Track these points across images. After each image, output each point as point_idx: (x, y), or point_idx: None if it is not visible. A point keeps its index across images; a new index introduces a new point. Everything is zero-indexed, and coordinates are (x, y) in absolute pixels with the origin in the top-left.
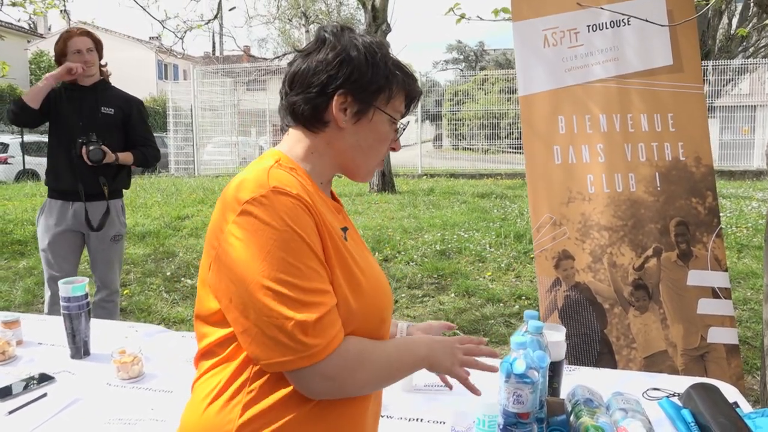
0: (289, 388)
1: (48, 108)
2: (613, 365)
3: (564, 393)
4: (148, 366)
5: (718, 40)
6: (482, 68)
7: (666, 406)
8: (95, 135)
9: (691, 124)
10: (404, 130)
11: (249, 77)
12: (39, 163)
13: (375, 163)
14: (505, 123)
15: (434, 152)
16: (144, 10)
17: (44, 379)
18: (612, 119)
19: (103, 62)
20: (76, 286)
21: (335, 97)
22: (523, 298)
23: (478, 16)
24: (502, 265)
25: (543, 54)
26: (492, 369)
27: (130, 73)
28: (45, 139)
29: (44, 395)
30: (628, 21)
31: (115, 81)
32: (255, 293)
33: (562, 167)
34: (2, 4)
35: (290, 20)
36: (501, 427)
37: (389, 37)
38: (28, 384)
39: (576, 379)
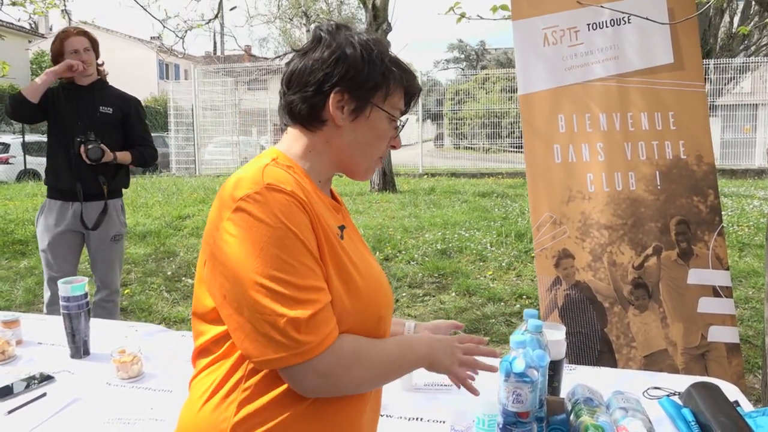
0: (285, 386)
1: (46, 106)
2: (614, 364)
3: (564, 392)
4: (148, 365)
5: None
6: (483, 67)
7: (666, 405)
8: (94, 134)
9: (692, 122)
10: (403, 127)
11: (250, 77)
12: (40, 163)
13: (374, 160)
14: (507, 122)
15: (435, 151)
16: (144, 9)
17: (45, 378)
18: (612, 118)
19: (100, 61)
20: (75, 286)
21: (332, 95)
22: (524, 297)
23: (478, 15)
24: (503, 264)
25: (543, 52)
26: (492, 369)
27: (132, 72)
28: (46, 138)
29: (44, 395)
30: (629, 19)
31: (116, 81)
32: (248, 290)
33: (562, 166)
34: (2, 4)
35: (291, 20)
36: (500, 426)
37: (390, 37)
38: (29, 383)
39: (576, 378)
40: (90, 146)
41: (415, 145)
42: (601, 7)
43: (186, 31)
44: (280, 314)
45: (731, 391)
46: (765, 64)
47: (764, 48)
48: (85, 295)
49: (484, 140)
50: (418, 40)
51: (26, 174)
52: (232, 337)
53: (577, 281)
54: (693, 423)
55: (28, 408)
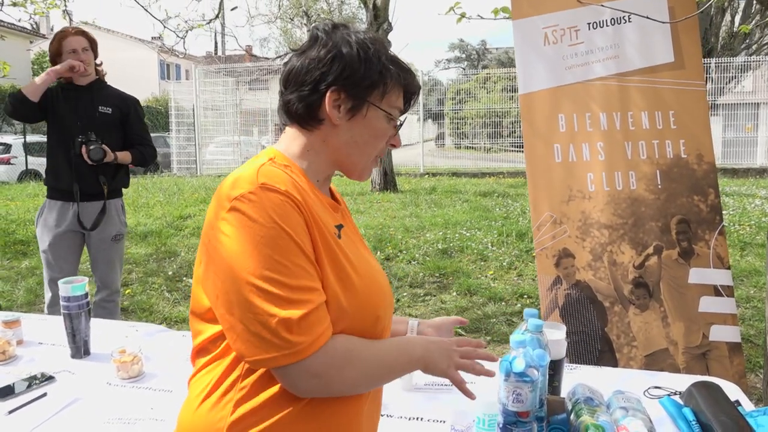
0: (281, 386)
1: (46, 106)
2: (614, 363)
3: (564, 391)
4: (148, 365)
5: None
6: (484, 67)
7: (667, 404)
8: (94, 134)
9: (693, 121)
10: (401, 125)
11: (251, 77)
12: (42, 164)
13: (372, 159)
14: (508, 121)
15: (436, 151)
16: (145, 10)
17: (46, 378)
18: (612, 117)
19: (98, 61)
20: (75, 286)
21: (328, 94)
22: (525, 296)
23: (478, 15)
24: (504, 263)
25: (543, 52)
26: (489, 374)
27: (133, 73)
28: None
29: (44, 395)
30: (629, 18)
31: (117, 81)
32: (240, 290)
33: (563, 165)
34: (2, 4)
35: (292, 19)
36: (501, 425)
37: (391, 36)
38: (31, 383)
39: (577, 378)
40: (92, 147)
41: (416, 144)
42: (602, 6)
43: (187, 31)
44: (271, 314)
45: (732, 391)
46: (766, 63)
47: (766, 47)
48: (86, 295)
49: (485, 140)
50: (419, 40)
51: (28, 174)
52: (226, 336)
53: (578, 281)
54: (694, 422)
55: (28, 408)
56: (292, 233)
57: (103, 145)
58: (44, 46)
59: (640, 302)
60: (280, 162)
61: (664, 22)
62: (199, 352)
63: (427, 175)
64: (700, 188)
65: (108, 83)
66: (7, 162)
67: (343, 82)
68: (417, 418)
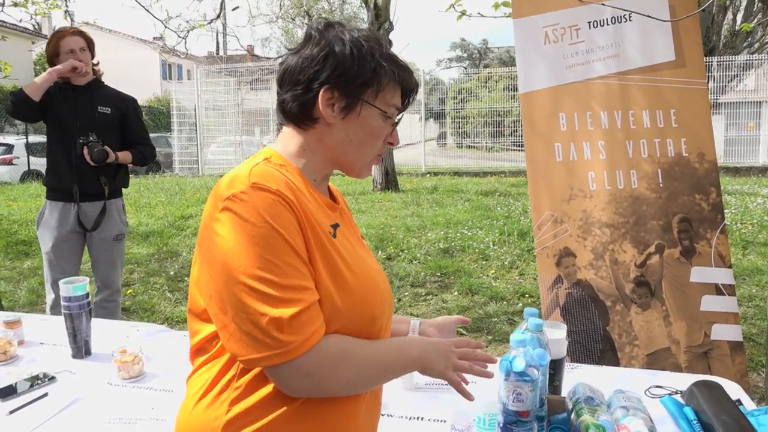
0: (275, 386)
1: (45, 106)
2: (616, 363)
3: (565, 391)
4: (149, 365)
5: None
6: (486, 66)
7: (668, 403)
8: (95, 135)
9: (694, 119)
10: (397, 123)
11: (252, 76)
12: (43, 164)
13: (369, 158)
14: (509, 121)
15: (438, 150)
16: (146, 10)
17: (48, 378)
18: (613, 116)
19: (95, 61)
20: (76, 286)
21: (321, 93)
22: (527, 295)
23: (479, 13)
24: (506, 263)
25: (544, 51)
26: (487, 375)
27: (135, 73)
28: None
29: (45, 395)
30: (630, 17)
31: (119, 81)
32: (232, 289)
33: (563, 164)
34: (3, 5)
35: (293, 19)
36: (501, 425)
37: (392, 36)
38: (33, 383)
39: (578, 377)
40: (95, 148)
41: (418, 144)
42: (602, 4)
43: (188, 32)
44: (262, 313)
45: (733, 390)
46: None
47: None
48: (87, 295)
49: (487, 139)
50: (420, 39)
51: (30, 175)
52: (219, 335)
53: (579, 280)
54: (695, 422)
55: (29, 408)
56: (283, 232)
57: (105, 146)
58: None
59: (642, 301)
60: (275, 161)
61: (665, 21)
62: (196, 351)
63: (428, 175)
64: (702, 187)
65: (105, 83)
66: (10, 162)
67: (336, 80)
68: (417, 418)
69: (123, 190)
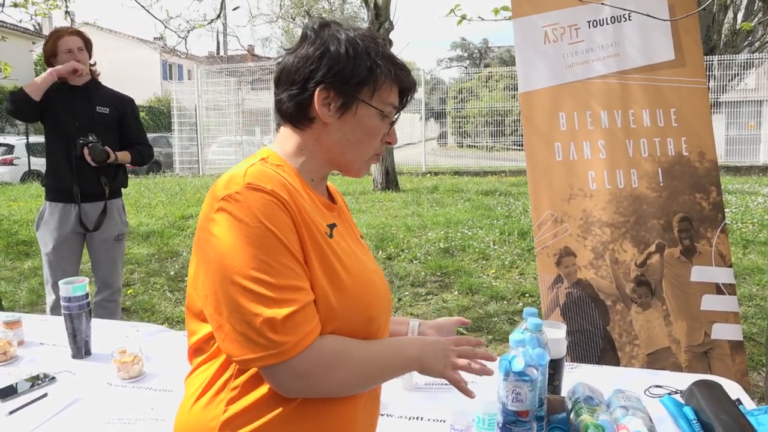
0: None
1: (43, 106)
2: (616, 362)
3: (565, 390)
4: (149, 365)
5: (723, 35)
6: (486, 65)
7: (668, 403)
8: (94, 135)
9: (694, 118)
10: (395, 122)
11: (253, 76)
12: (44, 164)
13: (367, 157)
14: (510, 120)
15: (438, 150)
16: (146, 10)
17: (48, 379)
18: (613, 115)
19: (92, 61)
20: (76, 286)
21: (317, 92)
22: (527, 295)
23: (479, 17)
24: (506, 262)
25: (543, 50)
26: (487, 372)
27: (135, 73)
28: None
29: (45, 395)
30: (629, 16)
31: (119, 81)
32: (227, 290)
33: (563, 164)
34: (3, 6)
35: (293, 19)
36: (500, 425)
37: (392, 35)
38: (33, 384)
39: (578, 377)
40: (96, 149)
41: (419, 143)
42: (602, 4)
43: (188, 32)
44: (256, 314)
45: (733, 389)
46: None
47: None
48: (86, 295)
49: (488, 138)
50: (420, 39)
51: (30, 175)
52: (215, 335)
53: (579, 279)
54: (694, 421)
55: (29, 408)
56: (278, 233)
57: (106, 146)
58: None
59: (642, 301)
60: (272, 162)
61: (664, 20)
62: (194, 351)
63: (429, 174)
64: (702, 186)
65: (102, 83)
66: (10, 163)
67: (332, 79)
68: (417, 418)
69: (122, 190)
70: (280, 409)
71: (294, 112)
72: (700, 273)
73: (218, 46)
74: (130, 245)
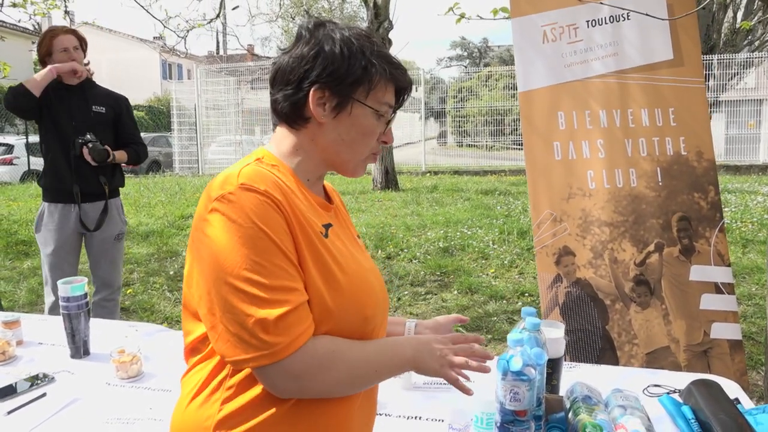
0: None
1: (41, 105)
2: (615, 362)
3: (563, 390)
4: (148, 365)
5: (723, 34)
6: (486, 65)
7: (666, 402)
8: (92, 134)
9: (693, 118)
10: (390, 122)
11: (252, 76)
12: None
13: (363, 157)
14: (509, 119)
15: (438, 149)
16: (146, 10)
17: (46, 378)
18: (612, 114)
19: (86, 61)
20: (75, 286)
21: (311, 92)
22: (527, 294)
23: (478, 16)
24: (506, 261)
25: (542, 50)
26: (484, 369)
27: (135, 73)
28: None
29: (44, 395)
30: (628, 16)
31: (120, 81)
32: (220, 290)
33: (562, 163)
34: (2, 5)
35: (293, 18)
36: (498, 424)
37: (392, 35)
38: (33, 383)
39: (576, 376)
40: (97, 148)
41: (418, 143)
42: (601, 3)
43: (188, 31)
44: (248, 314)
45: (732, 389)
46: None
47: None
48: (85, 295)
49: (487, 138)
50: (420, 38)
51: (30, 175)
52: (209, 336)
53: (578, 278)
54: (693, 421)
55: (27, 408)
56: (271, 233)
57: (106, 146)
58: None
59: (641, 300)
60: (267, 162)
61: (663, 19)
62: (190, 351)
63: (428, 174)
64: (701, 185)
65: (96, 82)
66: (10, 162)
67: (326, 79)
68: (415, 417)
69: (121, 189)
70: (275, 409)
71: (289, 112)
72: (698, 272)
73: (218, 46)
74: (130, 245)
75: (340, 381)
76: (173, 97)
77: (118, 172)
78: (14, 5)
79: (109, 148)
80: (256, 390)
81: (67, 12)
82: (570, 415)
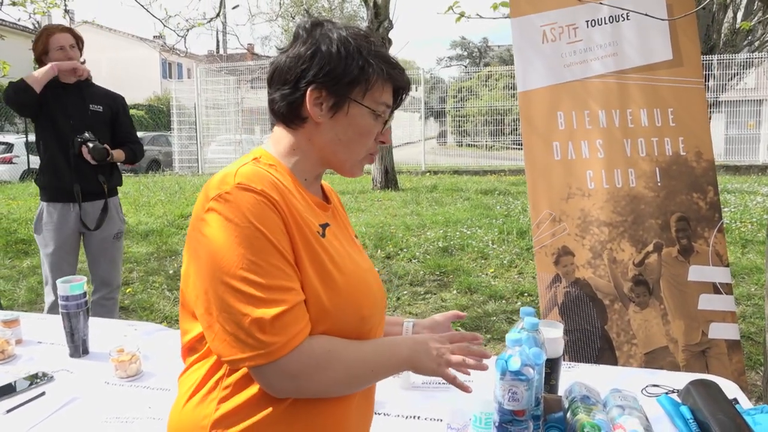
0: None
1: (40, 102)
2: (614, 361)
3: (562, 390)
4: (147, 364)
5: (723, 34)
6: (486, 64)
7: (665, 402)
8: (91, 133)
9: (692, 118)
10: (388, 122)
11: (252, 75)
12: None
13: (360, 157)
14: (509, 119)
15: (438, 149)
16: (145, 9)
17: (45, 377)
18: (611, 115)
19: (82, 59)
20: (74, 285)
21: (308, 92)
22: (526, 294)
23: (477, 14)
24: (505, 261)
25: (542, 50)
26: (481, 367)
27: (135, 72)
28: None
29: (43, 394)
30: (627, 16)
31: (120, 80)
32: (216, 290)
33: (562, 163)
34: (2, 4)
35: (293, 18)
36: (497, 424)
37: (392, 34)
38: (32, 382)
39: (575, 376)
40: (97, 148)
41: (418, 142)
42: (600, 3)
43: (187, 30)
44: (244, 314)
45: (730, 389)
46: None
47: None
48: (84, 294)
49: (487, 137)
50: (420, 38)
51: (30, 173)
52: (205, 335)
53: (577, 278)
54: (691, 421)
55: (27, 407)
56: (267, 233)
57: (105, 144)
58: None
59: (640, 300)
60: (265, 161)
61: (662, 20)
62: (188, 350)
63: (428, 173)
64: (700, 186)
65: (92, 81)
66: (9, 161)
67: (323, 79)
68: (414, 417)
69: (119, 188)
70: (272, 409)
71: (286, 111)
72: (697, 272)
73: (218, 45)
74: (129, 244)
75: (336, 381)
76: (173, 96)
77: (116, 171)
78: (14, 4)
79: (108, 147)
80: (253, 389)
81: (66, 11)
82: (568, 414)
